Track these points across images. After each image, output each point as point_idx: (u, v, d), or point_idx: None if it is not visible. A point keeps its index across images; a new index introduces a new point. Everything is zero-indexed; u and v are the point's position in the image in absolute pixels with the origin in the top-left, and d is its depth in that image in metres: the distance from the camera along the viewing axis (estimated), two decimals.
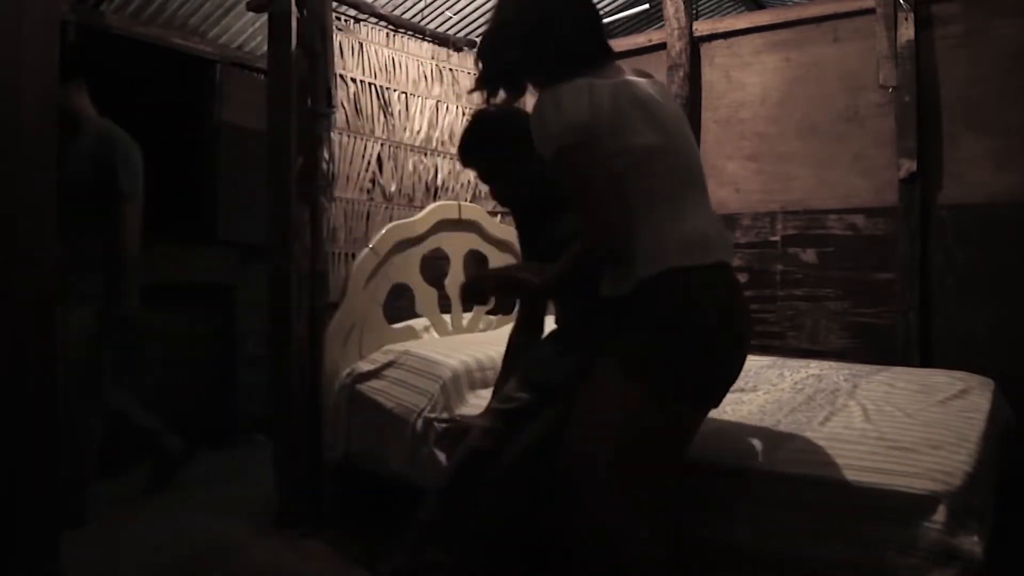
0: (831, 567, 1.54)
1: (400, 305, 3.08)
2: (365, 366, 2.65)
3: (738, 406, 2.13)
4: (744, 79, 3.44)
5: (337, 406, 2.62)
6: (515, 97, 1.70)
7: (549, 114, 1.47)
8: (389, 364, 2.60)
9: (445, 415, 2.32)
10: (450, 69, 3.57)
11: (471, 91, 1.79)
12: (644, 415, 1.46)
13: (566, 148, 1.46)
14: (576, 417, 1.59)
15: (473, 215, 3.28)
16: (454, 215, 3.18)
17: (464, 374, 2.46)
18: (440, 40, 3.55)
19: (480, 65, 1.69)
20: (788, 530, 1.60)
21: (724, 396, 1.57)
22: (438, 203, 3.19)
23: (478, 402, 2.32)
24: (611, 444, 1.48)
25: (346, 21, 3.07)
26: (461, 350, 2.61)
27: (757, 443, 1.79)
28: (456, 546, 1.86)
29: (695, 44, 3.51)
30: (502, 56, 1.64)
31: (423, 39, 3.46)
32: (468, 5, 3.97)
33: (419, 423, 2.33)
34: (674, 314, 1.45)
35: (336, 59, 2.87)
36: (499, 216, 3.63)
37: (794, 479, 1.63)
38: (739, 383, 2.36)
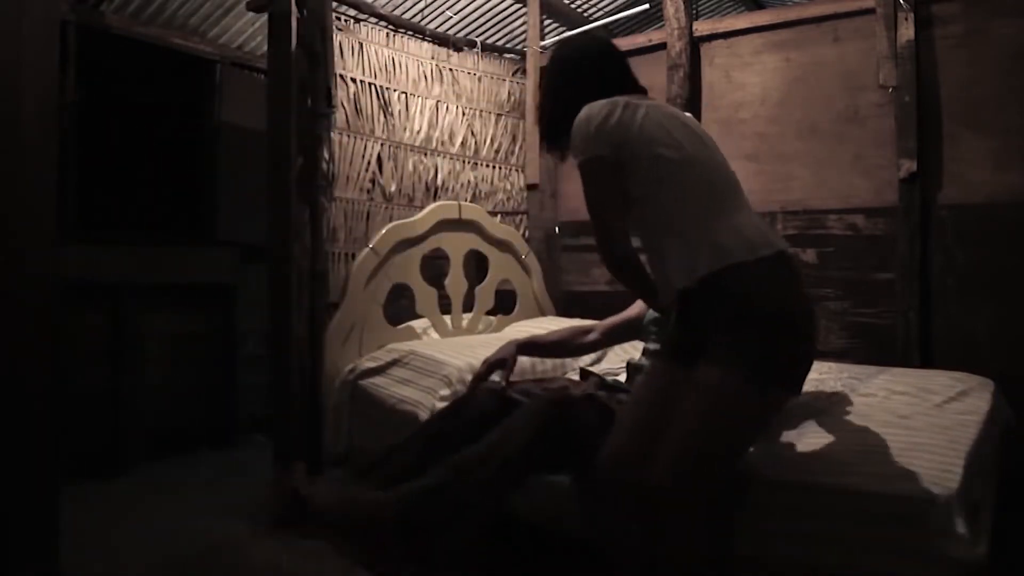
0: (828, 573, 1.54)
1: (401, 305, 3.08)
2: (368, 363, 2.65)
3: None
4: (744, 79, 3.43)
5: (339, 403, 2.62)
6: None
7: (581, 126, 1.65)
8: (394, 362, 2.60)
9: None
10: (450, 69, 3.58)
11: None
12: (744, 406, 1.50)
13: (591, 159, 1.63)
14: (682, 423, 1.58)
15: (473, 215, 3.28)
16: (454, 215, 3.18)
17: (469, 374, 2.45)
18: (440, 40, 3.55)
19: (544, 131, 1.94)
20: (786, 536, 1.60)
21: (803, 377, 1.60)
22: (438, 203, 3.19)
23: None
24: (720, 440, 1.53)
25: (346, 21, 3.07)
26: (467, 352, 2.61)
27: (753, 450, 1.78)
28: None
29: (695, 44, 3.51)
30: (544, 118, 1.89)
31: (423, 39, 3.47)
32: (468, 5, 3.97)
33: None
34: (756, 303, 1.50)
35: (336, 59, 2.88)
36: (499, 216, 3.63)
37: (791, 486, 1.63)
38: None
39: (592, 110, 1.65)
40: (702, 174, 1.64)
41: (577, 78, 1.79)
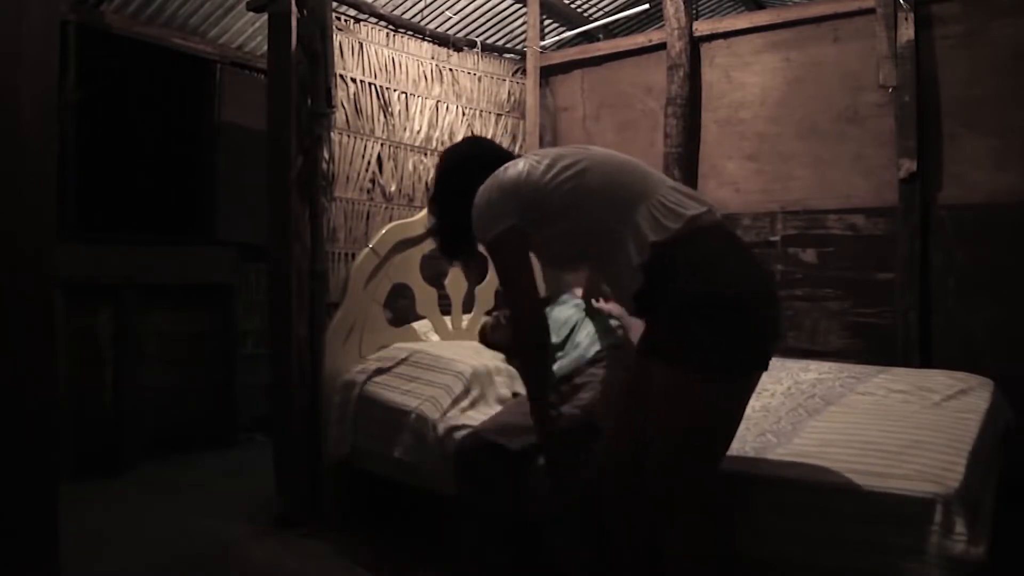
0: (828, 572, 1.54)
1: (401, 305, 3.08)
2: (374, 364, 2.65)
3: None
4: (744, 79, 3.43)
5: (344, 403, 2.61)
6: (471, 254, 1.89)
7: (479, 209, 1.67)
8: (400, 363, 2.60)
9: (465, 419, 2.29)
10: (450, 69, 3.58)
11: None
12: (702, 400, 1.44)
13: (501, 233, 1.63)
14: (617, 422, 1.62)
15: None
16: None
17: (485, 376, 2.47)
18: (440, 40, 3.55)
19: (441, 240, 1.89)
20: (786, 536, 1.60)
21: (764, 355, 1.50)
22: None
23: (497, 407, 2.32)
24: (674, 436, 1.48)
25: (346, 21, 3.07)
26: (473, 355, 2.62)
27: (752, 449, 1.79)
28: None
29: (695, 44, 3.51)
30: (441, 233, 1.86)
31: (423, 39, 3.47)
32: (468, 5, 3.97)
33: (440, 425, 2.28)
34: (679, 286, 1.45)
35: (336, 59, 2.87)
36: None
37: (791, 485, 1.63)
38: None
39: (481, 192, 1.68)
40: (607, 174, 1.61)
41: (461, 184, 1.77)
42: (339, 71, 2.95)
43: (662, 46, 3.54)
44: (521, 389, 2.49)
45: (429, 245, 3.05)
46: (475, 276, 1.82)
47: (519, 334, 1.70)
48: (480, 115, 3.72)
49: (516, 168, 1.67)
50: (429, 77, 3.46)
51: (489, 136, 3.76)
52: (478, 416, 2.26)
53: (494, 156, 1.81)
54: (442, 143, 3.50)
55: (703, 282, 1.44)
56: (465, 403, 2.37)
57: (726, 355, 1.43)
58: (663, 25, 3.56)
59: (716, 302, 1.43)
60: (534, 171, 1.64)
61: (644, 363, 1.58)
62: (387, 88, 3.24)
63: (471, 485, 2.01)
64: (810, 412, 2.07)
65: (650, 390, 1.52)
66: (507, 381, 2.51)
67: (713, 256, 1.48)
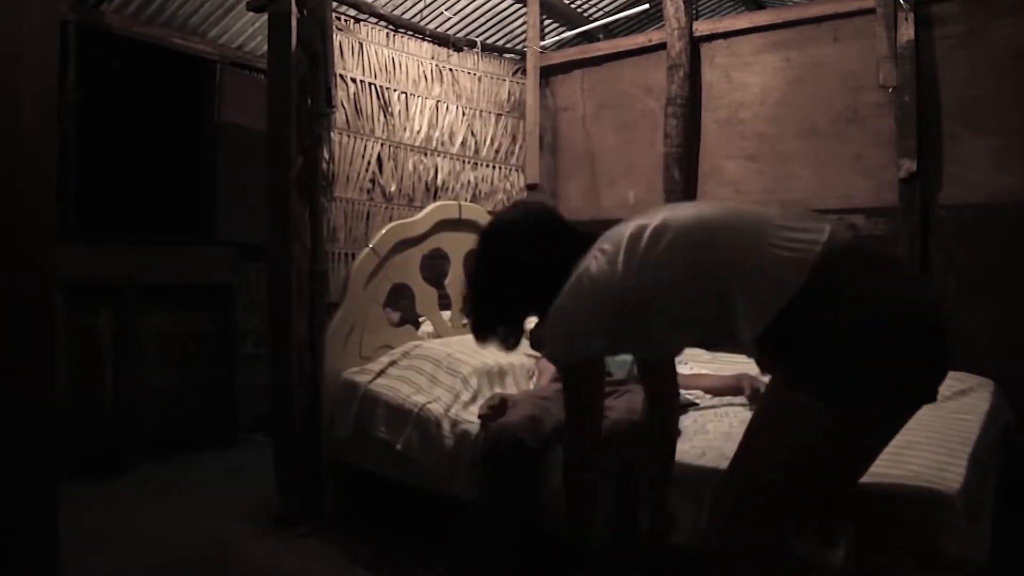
0: (828, 571, 1.54)
1: (402, 305, 3.08)
2: (375, 364, 2.66)
3: (733, 417, 2.16)
4: (744, 79, 3.43)
5: (348, 401, 2.61)
6: (517, 339, 1.65)
7: (561, 332, 1.46)
8: (405, 361, 2.61)
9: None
10: (450, 69, 3.58)
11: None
12: (807, 429, 1.23)
13: (583, 360, 1.46)
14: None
15: (473, 215, 3.27)
16: (454, 215, 3.18)
17: (484, 374, 2.48)
18: (440, 40, 3.56)
19: (477, 324, 1.63)
20: None
21: (919, 390, 1.27)
22: (438, 203, 3.19)
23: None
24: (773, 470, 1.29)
25: (346, 21, 3.07)
26: (475, 351, 2.61)
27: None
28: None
29: (695, 44, 3.51)
30: (482, 308, 1.62)
31: (423, 39, 3.47)
32: (468, 5, 3.97)
33: (444, 422, 2.29)
34: (826, 307, 1.23)
35: (336, 59, 2.87)
36: None
37: None
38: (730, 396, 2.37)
39: (562, 308, 1.44)
40: (697, 242, 1.36)
41: (519, 259, 1.55)
42: (339, 71, 2.95)
43: (662, 46, 3.54)
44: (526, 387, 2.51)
45: (429, 245, 3.06)
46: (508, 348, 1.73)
47: (573, 459, 1.57)
48: (480, 115, 3.73)
49: (590, 274, 1.41)
50: (429, 77, 3.46)
51: (489, 136, 3.77)
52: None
53: (554, 237, 1.55)
54: (442, 143, 3.50)
55: (847, 311, 1.22)
56: (466, 397, 2.38)
57: (862, 384, 1.20)
58: (663, 25, 3.56)
59: (866, 330, 1.21)
60: (612, 270, 1.39)
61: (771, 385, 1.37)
62: (387, 88, 3.24)
63: (497, 483, 1.99)
64: None
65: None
66: (510, 378, 2.52)
67: (854, 284, 1.24)
